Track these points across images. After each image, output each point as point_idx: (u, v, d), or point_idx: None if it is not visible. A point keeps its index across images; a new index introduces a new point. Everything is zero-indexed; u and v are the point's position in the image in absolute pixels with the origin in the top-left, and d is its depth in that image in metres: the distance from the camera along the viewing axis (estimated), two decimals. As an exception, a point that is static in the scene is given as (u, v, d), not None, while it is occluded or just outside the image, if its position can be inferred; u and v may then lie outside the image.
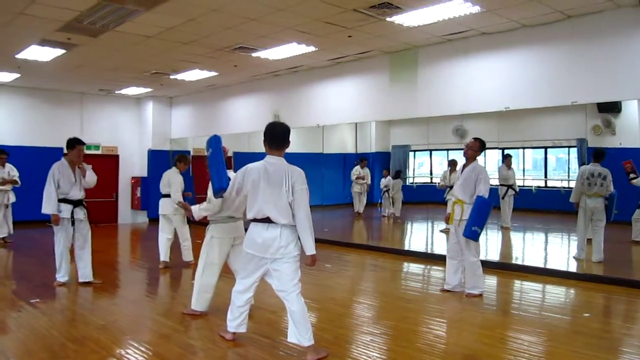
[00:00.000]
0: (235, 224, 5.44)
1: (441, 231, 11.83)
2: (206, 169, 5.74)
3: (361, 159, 16.15)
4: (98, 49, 9.21)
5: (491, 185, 6.42)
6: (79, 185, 6.86)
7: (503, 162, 12.42)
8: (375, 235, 12.82)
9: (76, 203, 6.83)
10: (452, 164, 12.03)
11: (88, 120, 14.35)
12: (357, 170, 15.60)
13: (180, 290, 6.98)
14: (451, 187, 10.99)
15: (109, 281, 7.27)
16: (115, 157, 14.94)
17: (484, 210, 6.13)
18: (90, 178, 6.99)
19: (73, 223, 6.80)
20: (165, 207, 8.29)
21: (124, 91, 14.04)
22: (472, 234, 6.11)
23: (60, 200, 6.71)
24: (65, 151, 6.98)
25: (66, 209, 6.73)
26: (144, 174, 15.05)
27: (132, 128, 15.31)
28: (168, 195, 8.21)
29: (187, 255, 8.35)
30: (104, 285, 6.99)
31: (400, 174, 15.47)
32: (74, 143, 6.85)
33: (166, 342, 4.73)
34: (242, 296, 4.45)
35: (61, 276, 6.90)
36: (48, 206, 6.66)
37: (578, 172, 8.54)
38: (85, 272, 6.95)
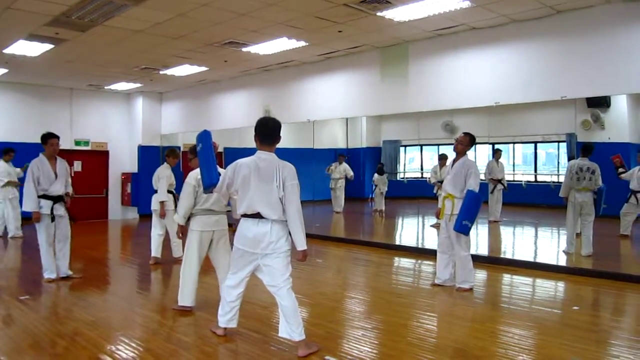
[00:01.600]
0: (215, 218, 5.46)
1: (432, 226, 11.87)
2: (190, 164, 5.80)
3: (339, 154, 15.84)
4: (87, 43, 9.14)
5: (481, 180, 6.45)
6: (60, 181, 6.81)
7: (493, 156, 12.49)
8: (366, 230, 12.84)
9: (57, 199, 6.78)
10: (442, 158, 12.06)
11: (77, 115, 14.25)
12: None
13: (170, 286, 6.94)
14: (442, 182, 11.04)
15: (99, 277, 7.24)
16: (105, 153, 14.84)
17: (474, 205, 6.15)
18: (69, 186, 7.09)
19: (53, 219, 6.76)
20: (157, 203, 8.27)
21: (114, 86, 13.95)
22: (463, 228, 6.13)
23: (41, 197, 6.67)
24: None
25: (46, 204, 6.69)
26: (134, 169, 14.97)
27: (122, 124, 15.21)
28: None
29: (177, 251, 8.32)
30: (94, 281, 6.97)
31: (382, 170, 15.26)
32: (47, 137, 6.85)
33: (157, 338, 4.73)
34: (233, 291, 4.45)
35: (49, 273, 6.87)
36: (28, 204, 6.63)
37: (567, 167, 8.58)
38: (64, 268, 6.97)
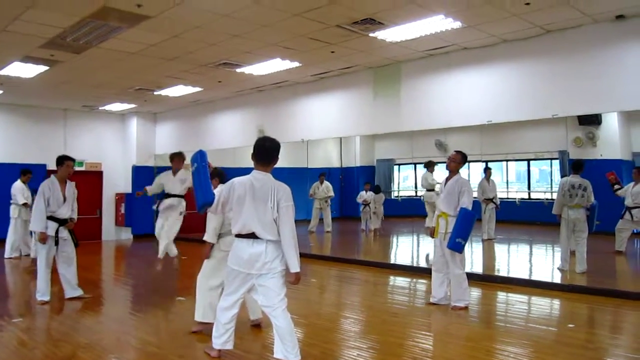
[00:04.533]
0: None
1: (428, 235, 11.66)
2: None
3: (319, 174, 15.54)
4: (81, 65, 9.18)
5: (475, 198, 6.47)
6: (68, 204, 6.82)
7: (484, 174, 12.48)
8: (359, 249, 12.82)
9: (62, 222, 6.77)
10: (430, 165, 12.02)
11: (72, 136, 14.25)
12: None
13: (166, 307, 6.89)
14: (430, 190, 11.06)
15: (92, 299, 7.18)
16: (99, 174, 14.82)
17: (467, 222, 6.17)
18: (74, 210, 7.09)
19: (57, 242, 6.74)
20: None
21: (108, 107, 13.98)
22: (456, 245, 6.14)
23: (48, 218, 6.65)
24: (54, 168, 7.02)
25: (52, 226, 6.69)
26: (128, 190, 14.92)
27: (116, 144, 15.22)
28: (170, 195, 8.22)
29: (172, 250, 8.31)
30: (88, 303, 6.91)
31: (379, 189, 15.38)
32: (62, 160, 6.88)
33: (151, 360, 4.69)
34: (227, 313, 4.41)
35: (41, 295, 6.79)
36: (37, 223, 6.62)
37: (559, 184, 8.63)
38: (71, 289, 6.93)
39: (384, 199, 15.13)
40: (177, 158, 8.33)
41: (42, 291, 6.80)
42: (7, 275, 9.37)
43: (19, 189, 10.76)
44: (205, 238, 5.31)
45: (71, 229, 6.93)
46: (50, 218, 6.68)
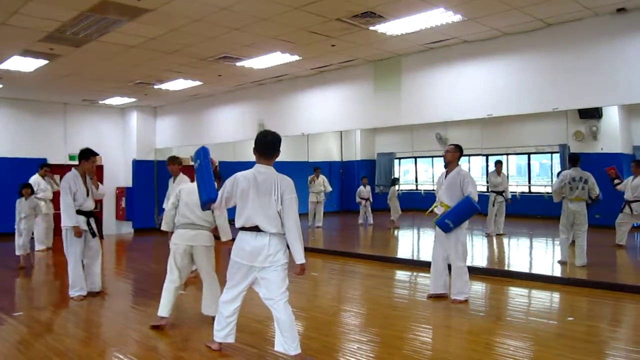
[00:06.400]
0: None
1: None
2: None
3: (314, 168, 15.26)
4: (81, 59, 9.16)
5: (479, 191, 6.48)
6: (91, 196, 6.82)
7: (495, 168, 12.37)
8: (361, 243, 12.84)
9: (88, 214, 6.77)
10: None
11: (72, 130, 14.24)
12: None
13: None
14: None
15: (94, 293, 7.20)
16: (100, 168, 14.73)
17: (465, 209, 6.18)
18: (102, 189, 7.13)
19: (94, 235, 6.78)
20: None
21: (108, 101, 13.97)
22: (444, 225, 6.21)
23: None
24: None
25: (81, 220, 6.66)
26: (129, 184, 14.95)
27: (116, 138, 15.22)
28: None
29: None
30: (89, 297, 6.90)
31: (397, 180, 15.50)
32: (89, 154, 6.81)
33: (152, 354, 4.71)
34: (230, 306, 4.42)
35: (77, 290, 6.71)
36: (69, 219, 6.54)
37: (559, 176, 8.62)
38: (97, 282, 6.95)
39: (397, 192, 15.20)
40: (172, 163, 7.92)
41: (79, 286, 6.72)
42: (14, 269, 9.38)
43: (34, 181, 10.70)
44: (226, 238, 5.44)
45: (97, 220, 6.95)
46: (77, 212, 6.64)
